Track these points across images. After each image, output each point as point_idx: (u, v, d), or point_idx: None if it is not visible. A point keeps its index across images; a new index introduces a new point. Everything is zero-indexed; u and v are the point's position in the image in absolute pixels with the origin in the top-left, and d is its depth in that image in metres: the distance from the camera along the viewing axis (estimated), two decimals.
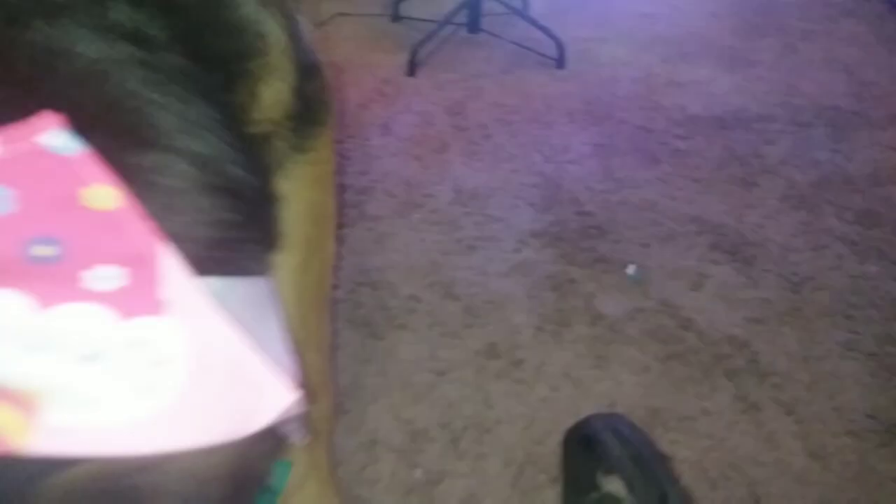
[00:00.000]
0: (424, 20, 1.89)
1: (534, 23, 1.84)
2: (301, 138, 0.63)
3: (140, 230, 0.39)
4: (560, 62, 1.78)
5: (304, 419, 0.47)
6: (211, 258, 0.41)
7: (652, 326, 1.09)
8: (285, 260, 0.65)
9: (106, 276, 0.38)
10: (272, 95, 0.55)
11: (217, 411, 0.41)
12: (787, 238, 1.25)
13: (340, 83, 1.70)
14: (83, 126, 0.37)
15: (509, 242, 1.26)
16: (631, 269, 1.19)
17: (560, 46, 1.78)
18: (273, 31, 0.54)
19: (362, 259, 1.23)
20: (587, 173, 1.43)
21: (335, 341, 1.04)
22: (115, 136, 0.39)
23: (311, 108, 0.64)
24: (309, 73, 0.63)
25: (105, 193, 0.38)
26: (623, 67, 1.79)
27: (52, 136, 0.36)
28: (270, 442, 0.45)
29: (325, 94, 0.69)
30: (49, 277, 0.37)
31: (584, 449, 0.81)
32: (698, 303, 1.13)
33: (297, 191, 0.60)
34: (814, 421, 0.93)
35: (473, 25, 1.91)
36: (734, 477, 0.86)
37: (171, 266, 0.40)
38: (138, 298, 0.39)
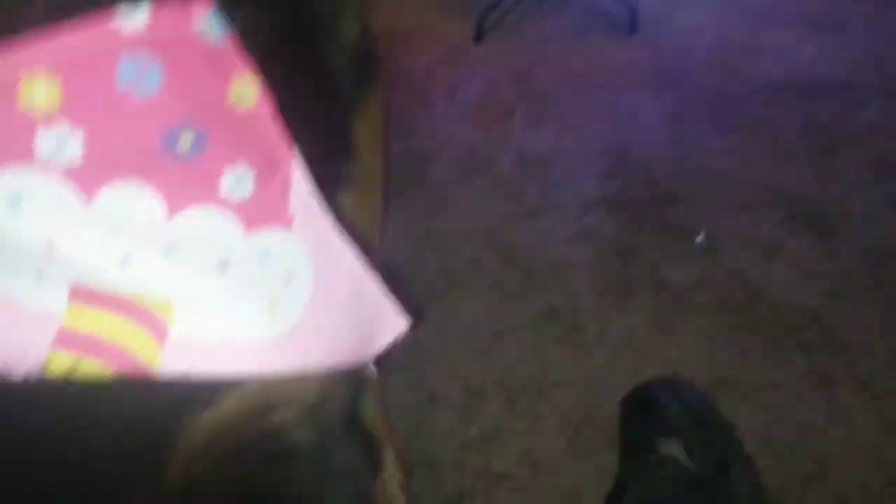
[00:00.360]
0: None
1: None
2: (353, 96, 0.63)
3: (273, 132, 0.37)
4: (632, 28, 1.72)
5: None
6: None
7: (720, 296, 1.05)
8: None
9: (239, 180, 0.36)
10: (346, 34, 0.55)
11: (340, 332, 0.39)
12: (870, 210, 1.18)
13: (406, 50, 1.70)
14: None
15: (573, 209, 1.24)
16: (700, 238, 1.15)
17: (632, 11, 1.72)
18: None
19: (424, 222, 1.24)
20: (657, 141, 1.39)
21: None
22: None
23: (363, 65, 0.65)
24: (365, 31, 0.63)
25: (247, 87, 0.36)
26: (699, 33, 1.71)
27: (202, 17, 0.34)
28: (366, 373, 0.45)
29: (376, 51, 0.69)
30: (186, 176, 0.35)
31: (644, 411, 0.79)
32: (771, 274, 1.08)
33: None
34: (890, 397, 0.88)
35: None
36: (801, 450, 0.83)
37: (298, 176, 0.38)
38: (267, 208, 0.37)
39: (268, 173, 0.37)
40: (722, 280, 1.08)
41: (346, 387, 0.41)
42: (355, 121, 0.53)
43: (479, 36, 1.74)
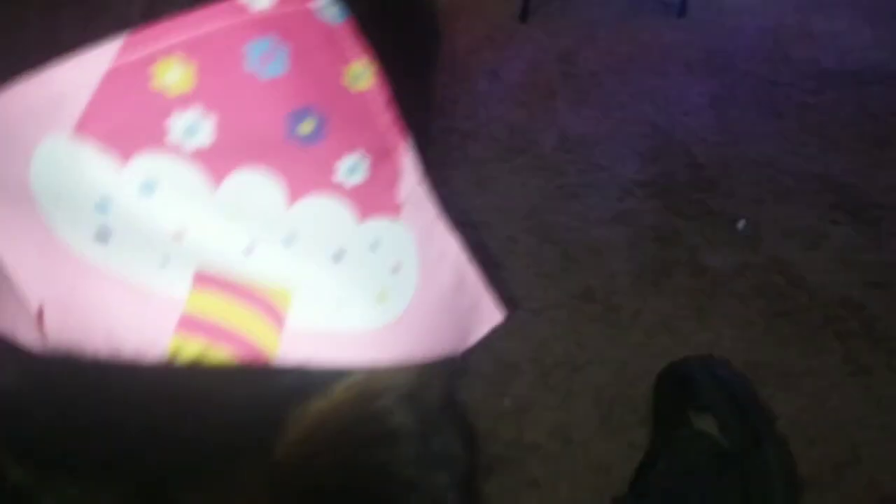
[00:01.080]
0: None
1: None
2: None
3: (387, 118, 0.36)
4: (681, 10, 1.70)
5: None
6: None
7: (760, 283, 1.05)
8: None
9: (354, 168, 0.35)
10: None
11: (442, 323, 0.40)
12: None
13: (451, 28, 1.71)
14: None
15: (613, 191, 1.24)
16: (741, 224, 1.14)
17: None
18: None
19: (463, 200, 1.25)
20: (701, 125, 1.37)
21: None
22: None
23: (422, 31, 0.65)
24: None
25: (363, 71, 0.35)
26: (750, 16, 1.68)
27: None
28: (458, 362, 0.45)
29: (437, 20, 0.69)
30: (306, 162, 0.34)
31: (679, 386, 0.80)
32: (813, 262, 1.07)
33: None
34: None
35: None
36: (835, 437, 0.83)
37: (409, 164, 0.38)
38: (378, 196, 0.36)
39: (380, 160, 0.36)
40: (762, 267, 1.07)
41: (443, 376, 0.42)
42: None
43: (524, 16, 1.73)
